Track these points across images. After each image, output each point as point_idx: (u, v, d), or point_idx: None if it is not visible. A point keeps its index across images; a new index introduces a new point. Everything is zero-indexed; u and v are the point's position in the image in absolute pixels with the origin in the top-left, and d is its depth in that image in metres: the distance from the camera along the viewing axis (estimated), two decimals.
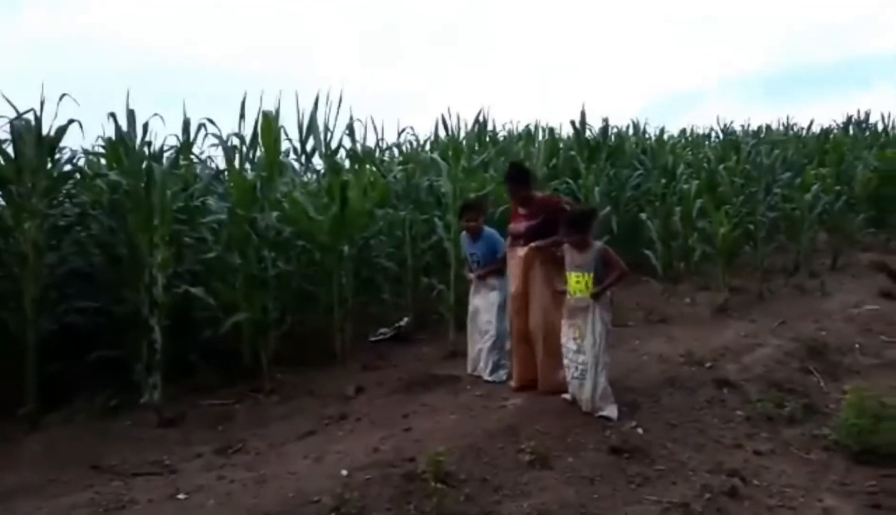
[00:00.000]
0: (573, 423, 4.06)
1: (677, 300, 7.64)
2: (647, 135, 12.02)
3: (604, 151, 9.65)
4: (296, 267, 5.94)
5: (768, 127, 16.03)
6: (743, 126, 15.90)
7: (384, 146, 8.30)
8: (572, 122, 9.91)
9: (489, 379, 4.98)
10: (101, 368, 5.04)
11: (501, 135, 10.04)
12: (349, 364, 5.93)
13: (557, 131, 10.86)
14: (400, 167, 7.80)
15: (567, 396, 4.36)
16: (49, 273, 5.14)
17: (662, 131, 12.27)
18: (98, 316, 5.26)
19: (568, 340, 4.28)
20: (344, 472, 3.56)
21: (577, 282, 4.19)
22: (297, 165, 7.02)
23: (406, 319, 6.56)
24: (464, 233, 5.26)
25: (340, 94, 7.25)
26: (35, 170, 5.10)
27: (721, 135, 14.94)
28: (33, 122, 5.10)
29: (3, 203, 5.34)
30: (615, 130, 10.90)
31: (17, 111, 5.07)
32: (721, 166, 8.90)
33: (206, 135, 6.47)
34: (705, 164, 9.39)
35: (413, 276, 6.80)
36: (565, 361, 4.31)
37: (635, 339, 6.06)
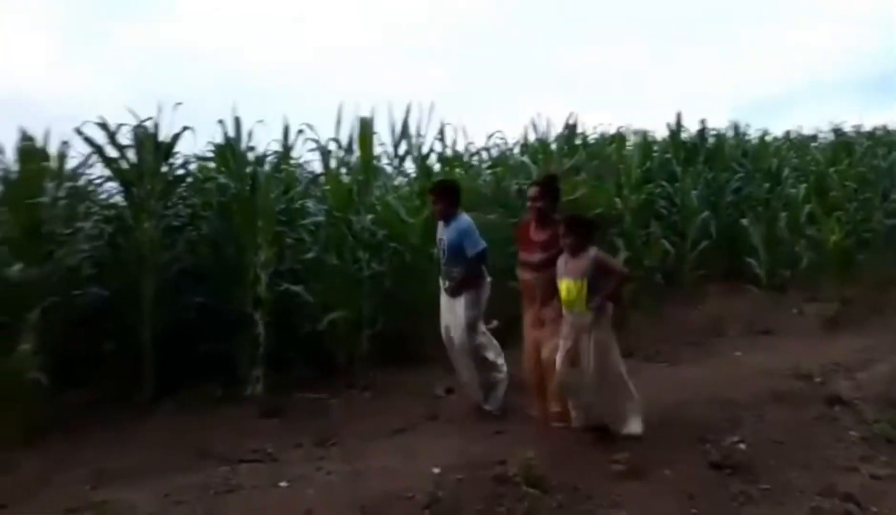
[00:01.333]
0: (670, 435, 3.92)
1: (783, 310, 7.22)
2: (746, 138, 11.42)
3: (701, 154, 9.28)
4: (388, 268, 6.07)
5: (885, 128, 14.79)
6: (855, 127, 14.75)
7: (473, 150, 8.35)
8: (668, 125, 9.60)
9: (489, 408, 4.64)
10: (210, 360, 5.38)
11: (592, 137, 9.84)
12: (439, 365, 6.00)
13: (651, 134, 10.54)
14: (489, 170, 7.83)
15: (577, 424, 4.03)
16: (164, 270, 5.53)
17: (765, 133, 11.61)
18: (207, 311, 5.59)
19: (563, 360, 3.91)
20: (436, 471, 3.62)
21: (569, 292, 3.83)
22: (389, 169, 7.19)
23: (495, 322, 6.54)
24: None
25: (432, 101, 7.38)
26: (153, 173, 5.52)
27: (828, 138, 13.94)
28: (152, 130, 5.52)
29: (124, 203, 5.82)
30: (713, 132, 10.44)
31: (138, 119, 5.50)
32: (832, 169, 8.33)
33: (304, 140, 6.74)
34: (813, 168, 8.83)
35: (502, 277, 6.77)
36: (559, 380, 3.97)
37: (736, 351, 5.80)
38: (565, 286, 3.84)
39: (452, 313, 4.59)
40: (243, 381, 5.15)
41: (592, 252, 3.84)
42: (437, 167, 7.42)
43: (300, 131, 6.84)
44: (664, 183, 8.59)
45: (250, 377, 5.06)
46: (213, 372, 5.35)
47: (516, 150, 8.57)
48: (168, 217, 5.68)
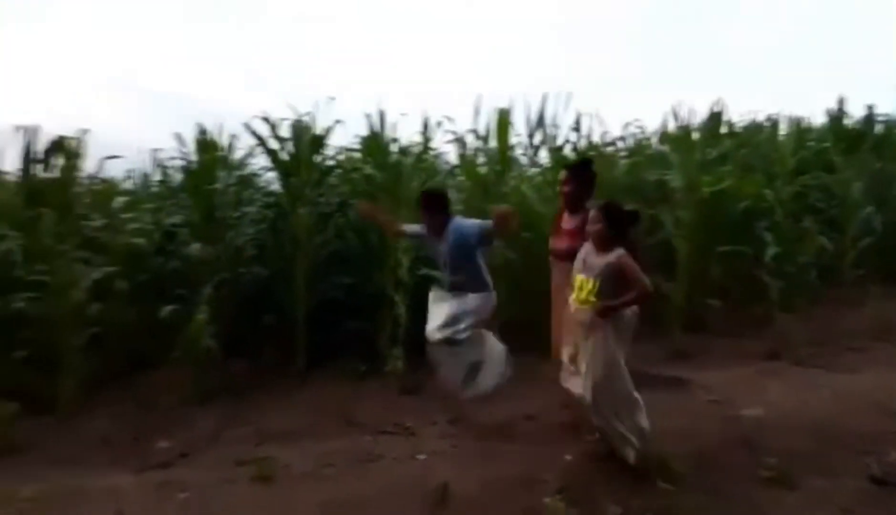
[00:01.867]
0: (826, 445, 3.68)
1: None
2: None
3: (867, 142, 8.41)
4: (521, 258, 6.14)
5: None
6: None
7: (609, 140, 8.17)
8: (828, 111, 8.80)
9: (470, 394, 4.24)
10: (354, 337, 5.77)
11: (740, 125, 9.24)
12: None
13: (806, 120, 9.70)
14: (625, 161, 7.63)
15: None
16: (315, 253, 6.00)
17: None
18: (352, 292, 5.99)
19: (566, 358, 3.58)
20: (568, 457, 3.67)
21: (580, 289, 3.37)
22: (524, 160, 7.24)
23: None
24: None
25: (568, 90, 7.34)
26: (309, 164, 5.99)
27: None
28: (308, 123, 5.98)
29: (282, 191, 6.36)
30: (882, 118, 9.40)
31: (296, 114, 5.99)
32: None
33: (443, 132, 6.96)
34: None
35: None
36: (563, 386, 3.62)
37: None
38: (579, 281, 3.38)
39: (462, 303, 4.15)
40: (384, 358, 5.47)
41: (618, 252, 3.27)
42: (572, 157, 7.35)
43: (439, 123, 7.10)
44: (821, 173, 7.90)
45: (391, 355, 5.37)
46: (358, 349, 5.74)
47: (655, 140, 8.27)
48: (320, 204, 6.14)
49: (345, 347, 5.73)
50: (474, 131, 6.49)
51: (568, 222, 3.94)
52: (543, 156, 7.25)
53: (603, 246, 3.31)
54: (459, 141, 6.69)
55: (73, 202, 5.28)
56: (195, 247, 5.44)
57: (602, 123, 8.82)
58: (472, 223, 4.03)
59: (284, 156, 5.94)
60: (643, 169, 7.10)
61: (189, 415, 4.85)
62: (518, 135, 6.78)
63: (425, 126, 7.07)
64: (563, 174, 3.97)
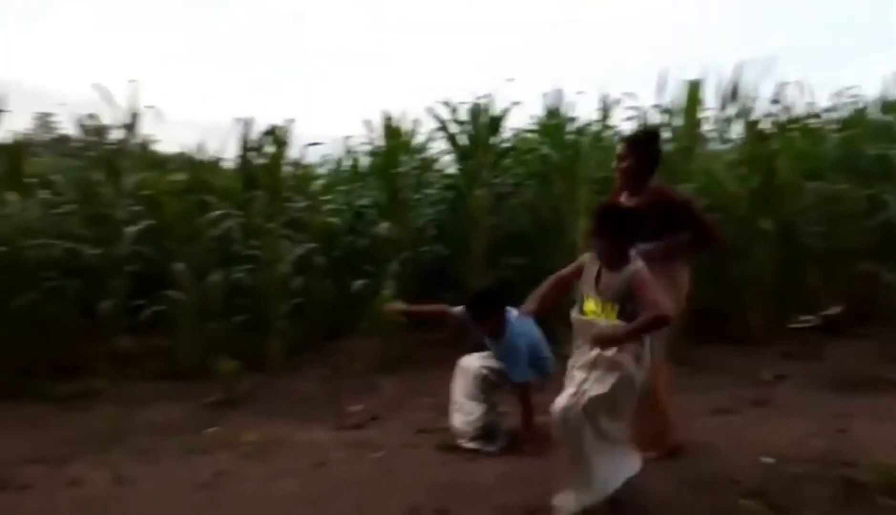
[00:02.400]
0: None
1: None
2: None
3: None
4: None
5: None
6: None
7: (817, 110, 7.28)
8: None
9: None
10: None
11: None
12: (764, 347, 5.52)
13: None
14: (837, 134, 6.76)
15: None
16: (491, 233, 6.11)
17: None
18: (526, 272, 6.01)
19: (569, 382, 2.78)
20: (767, 460, 3.39)
21: (594, 313, 2.70)
22: (713, 135, 6.71)
23: (838, 308, 5.73)
24: None
25: (768, 57, 6.63)
26: (486, 145, 6.09)
27: None
28: (486, 105, 6.08)
29: (459, 173, 6.55)
30: None
31: (475, 97, 6.11)
32: None
33: (625, 108, 6.68)
34: None
35: (848, 260, 5.88)
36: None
37: None
38: (591, 305, 2.73)
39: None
40: (560, 341, 5.43)
41: (634, 267, 2.63)
42: (772, 131, 6.68)
43: (617, 100, 6.82)
44: None
45: (566, 337, 5.31)
46: None
47: (875, 110, 7.22)
48: (496, 185, 6.22)
49: None
50: (659, 106, 6.14)
51: (628, 203, 3.35)
52: (737, 131, 6.68)
53: (613, 262, 2.66)
54: (641, 117, 6.38)
55: (281, 185, 5.88)
56: (383, 227, 5.80)
57: (808, 93, 7.89)
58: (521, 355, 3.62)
59: (463, 140, 6.09)
60: (860, 141, 6.24)
61: (376, 382, 5.21)
62: (708, 108, 6.29)
63: (603, 103, 6.85)
64: (621, 147, 3.45)
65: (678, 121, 6.12)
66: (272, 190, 5.79)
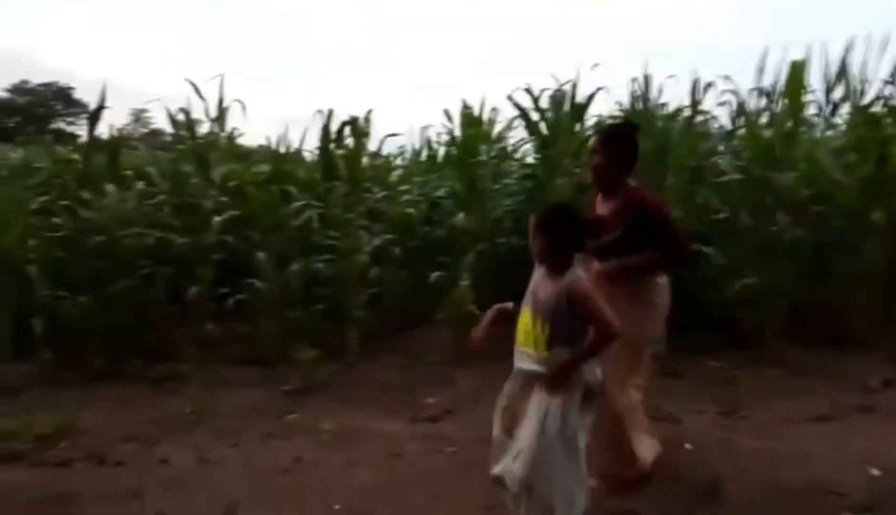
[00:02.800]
0: None
1: None
2: None
3: None
4: (812, 234, 5.31)
5: None
6: None
7: None
8: None
9: None
10: None
11: None
12: (870, 350, 5.07)
13: None
14: None
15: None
16: None
17: None
18: None
19: (497, 422, 2.45)
20: (874, 472, 3.10)
21: (524, 327, 2.37)
22: (818, 120, 6.22)
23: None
24: None
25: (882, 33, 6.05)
26: (568, 134, 5.89)
27: None
28: (569, 93, 5.87)
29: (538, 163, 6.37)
30: None
31: (558, 84, 5.92)
32: None
33: (720, 93, 6.29)
34: None
35: None
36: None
37: None
38: (523, 317, 2.39)
39: None
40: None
41: (572, 277, 2.27)
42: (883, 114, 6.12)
43: (709, 84, 6.43)
44: None
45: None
46: None
47: None
48: (577, 175, 6.01)
49: None
50: (759, 89, 5.74)
51: (601, 207, 2.96)
52: (843, 115, 6.17)
53: (552, 269, 2.34)
54: (739, 102, 6.00)
55: (360, 176, 5.92)
56: (460, 218, 5.73)
57: None
58: None
59: (544, 128, 5.93)
60: None
61: (451, 374, 5.15)
62: (812, 91, 5.83)
63: (694, 88, 6.48)
64: (593, 141, 3.09)
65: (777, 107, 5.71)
66: (352, 181, 5.84)
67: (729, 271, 5.17)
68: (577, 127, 6.02)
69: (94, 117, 6.39)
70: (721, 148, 6.14)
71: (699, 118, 6.21)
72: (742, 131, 6.11)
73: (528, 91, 5.91)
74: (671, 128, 5.44)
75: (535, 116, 5.98)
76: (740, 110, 6.05)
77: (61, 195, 5.88)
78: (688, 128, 5.66)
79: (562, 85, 5.86)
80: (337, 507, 2.89)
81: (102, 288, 5.14)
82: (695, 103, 6.29)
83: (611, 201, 2.90)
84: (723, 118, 6.52)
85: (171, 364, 5.05)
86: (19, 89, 30.04)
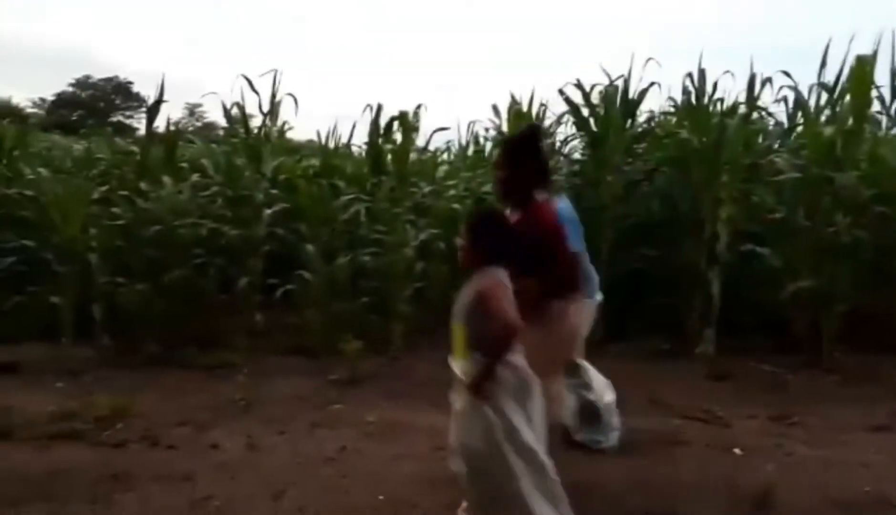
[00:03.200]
0: None
1: None
2: None
3: None
4: (873, 236, 5.10)
5: None
6: None
7: None
8: None
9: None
10: (656, 313, 5.48)
11: None
12: None
13: None
14: None
15: None
16: (620, 222, 5.82)
17: None
18: (657, 264, 5.68)
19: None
20: None
21: (454, 335, 2.33)
22: (883, 118, 5.95)
23: None
24: None
25: None
26: (619, 130, 5.79)
27: None
28: (621, 87, 5.77)
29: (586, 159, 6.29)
30: None
31: (609, 78, 5.83)
32: None
33: (779, 88, 6.09)
34: None
35: None
36: None
37: None
38: (455, 329, 2.35)
39: None
40: (691, 339, 5.09)
41: (481, 278, 2.27)
42: None
43: (767, 80, 6.23)
44: None
45: (700, 336, 4.97)
46: (660, 325, 5.45)
47: None
48: (627, 172, 5.91)
49: (647, 322, 5.47)
50: (822, 85, 5.52)
51: (512, 221, 2.74)
52: None
53: (475, 272, 2.33)
54: (798, 98, 5.79)
55: (408, 171, 5.96)
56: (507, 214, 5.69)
57: None
58: None
59: (594, 124, 5.84)
60: None
61: None
62: (878, 87, 5.57)
63: (751, 83, 6.30)
64: (497, 153, 2.95)
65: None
66: (399, 175, 5.88)
67: (783, 272, 5.02)
68: (629, 123, 5.90)
69: (152, 111, 6.62)
70: (778, 145, 5.96)
71: (755, 115, 6.05)
72: (801, 128, 5.91)
73: (580, 86, 5.84)
74: (726, 124, 5.28)
75: (585, 112, 5.90)
76: (799, 106, 5.84)
77: (120, 186, 6.11)
78: (743, 125, 5.49)
79: (613, 80, 5.76)
80: (381, 497, 2.92)
81: (158, 276, 5.31)
82: (751, 99, 6.11)
83: (517, 216, 2.73)
84: (780, 115, 6.34)
85: (222, 352, 5.18)
86: (82, 84, 31.29)
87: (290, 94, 6.58)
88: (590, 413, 3.41)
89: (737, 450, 3.48)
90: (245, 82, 6.43)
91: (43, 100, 28.34)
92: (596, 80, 5.94)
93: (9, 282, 5.62)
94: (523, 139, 2.88)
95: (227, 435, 3.64)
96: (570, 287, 2.74)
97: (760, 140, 5.90)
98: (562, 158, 6.89)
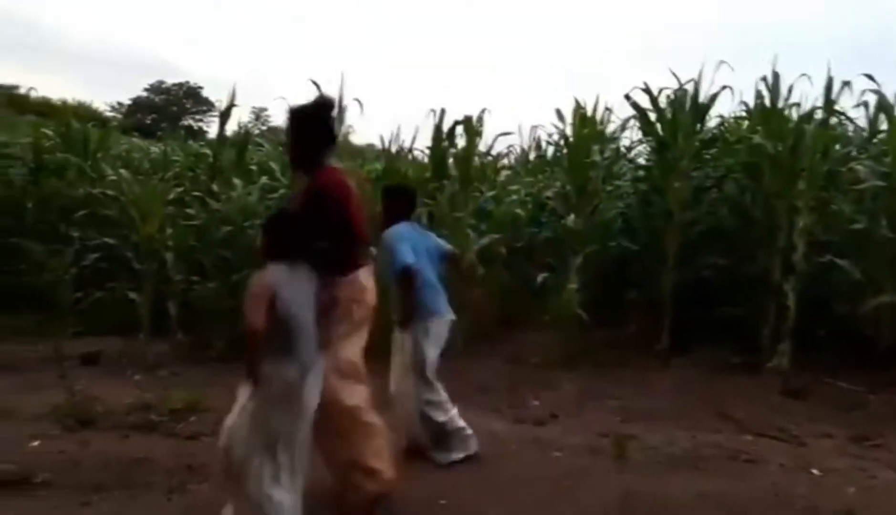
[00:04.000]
0: None
1: None
2: None
3: None
4: None
5: None
6: None
7: None
8: None
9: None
10: (725, 324, 5.30)
11: None
12: None
13: None
14: None
15: None
16: (687, 229, 5.66)
17: None
18: (726, 274, 5.49)
19: None
20: None
21: None
22: None
23: None
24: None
25: None
26: (688, 134, 5.64)
27: None
28: (691, 91, 5.62)
29: (652, 164, 6.15)
30: None
31: (679, 82, 5.69)
32: None
33: (861, 92, 5.79)
34: None
35: None
36: None
37: None
38: None
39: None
40: (763, 352, 4.90)
41: (258, 276, 2.32)
42: None
43: (846, 83, 5.93)
44: None
45: (773, 349, 4.77)
46: (728, 337, 5.26)
47: None
48: (696, 178, 5.75)
49: (713, 333, 5.29)
50: None
51: (299, 187, 2.92)
52: None
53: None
54: (882, 102, 5.49)
55: (471, 175, 5.96)
56: (571, 219, 5.63)
57: None
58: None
59: (662, 128, 5.71)
60: None
61: (554, 377, 5.08)
62: None
63: (829, 86, 6.02)
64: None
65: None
66: (462, 180, 5.89)
67: (864, 286, 4.76)
68: (698, 128, 5.74)
69: (224, 115, 6.86)
70: (858, 152, 5.67)
71: (834, 120, 5.78)
72: (883, 135, 5.61)
73: (647, 90, 5.72)
74: (803, 130, 5.06)
75: (653, 116, 5.77)
76: (882, 110, 5.54)
77: (194, 187, 6.35)
78: (821, 131, 5.25)
79: (683, 84, 5.62)
80: (443, 502, 2.92)
81: (228, 275, 5.49)
82: (829, 103, 5.85)
83: (303, 182, 2.76)
84: (860, 120, 6.03)
85: None
86: (156, 89, 32.71)
87: (357, 99, 6.67)
88: (441, 433, 3.36)
89: (815, 471, 3.32)
90: (314, 87, 6.56)
91: (120, 104, 29.80)
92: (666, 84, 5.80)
93: (92, 278, 5.92)
94: (306, 108, 2.82)
95: None
96: (343, 263, 2.63)
97: (839, 147, 5.61)
98: (626, 163, 6.78)
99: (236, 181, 6.12)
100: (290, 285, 2.28)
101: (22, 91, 13.96)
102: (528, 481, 3.15)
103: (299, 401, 2.30)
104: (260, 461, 2.24)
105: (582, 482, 3.12)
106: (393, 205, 3.49)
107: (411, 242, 3.28)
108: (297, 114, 2.74)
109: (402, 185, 3.95)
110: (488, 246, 5.87)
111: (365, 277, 2.70)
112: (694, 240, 5.69)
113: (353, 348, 2.65)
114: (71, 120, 7.40)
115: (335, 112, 2.90)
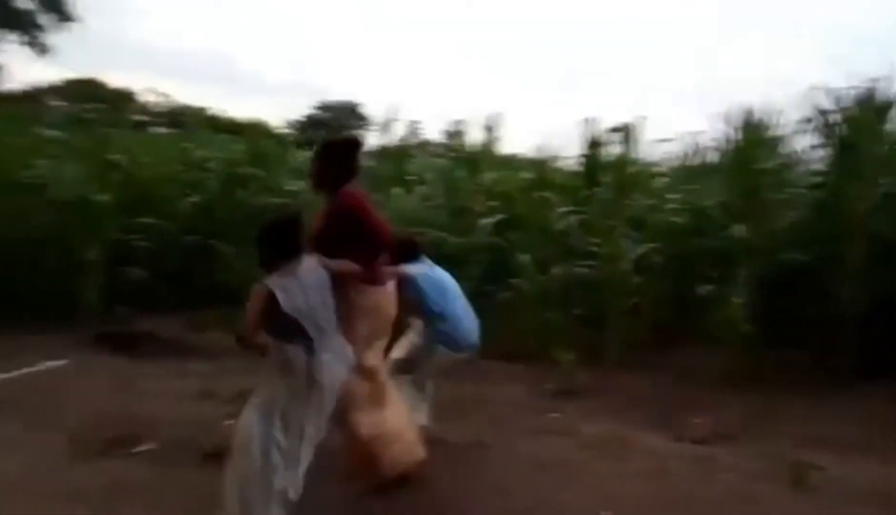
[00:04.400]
0: None
1: None
2: None
3: None
4: None
5: None
6: None
7: None
8: None
9: None
10: None
11: None
12: None
13: None
14: None
15: None
16: (871, 239, 5.13)
17: None
18: None
19: None
20: None
21: None
22: None
23: None
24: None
25: None
26: (873, 138, 5.11)
27: None
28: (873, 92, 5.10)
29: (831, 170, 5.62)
30: None
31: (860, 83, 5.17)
32: None
33: None
34: None
35: None
36: None
37: None
38: None
39: None
40: None
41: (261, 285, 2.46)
42: None
43: None
44: None
45: None
46: None
47: None
48: (885, 184, 5.19)
49: None
50: None
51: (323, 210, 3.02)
52: None
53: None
54: None
55: (626, 183, 5.84)
56: (738, 229, 5.30)
57: None
58: None
59: (847, 129, 5.22)
60: None
61: (718, 396, 4.82)
62: None
63: None
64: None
65: None
66: (617, 187, 5.79)
67: None
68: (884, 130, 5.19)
69: (385, 130, 7.31)
70: None
71: None
72: None
73: (828, 91, 5.26)
74: None
75: (831, 118, 5.30)
76: None
77: None
78: None
79: (867, 85, 5.10)
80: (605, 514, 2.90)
81: None
82: None
83: (328, 204, 2.95)
84: None
85: None
86: (323, 107, 35.64)
87: (502, 112, 6.83)
88: None
89: None
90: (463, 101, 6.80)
91: (295, 121, 32.71)
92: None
93: None
94: (342, 145, 3.08)
95: (452, 431, 3.82)
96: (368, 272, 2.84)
97: None
98: (798, 168, 6.26)
99: (395, 190, 6.48)
100: (289, 286, 2.44)
101: (211, 112, 15.72)
102: (694, 502, 3.03)
103: (304, 377, 2.45)
104: (260, 434, 2.41)
105: (751, 507, 2.96)
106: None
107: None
108: (328, 147, 3.05)
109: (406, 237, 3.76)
110: (644, 255, 5.71)
111: (387, 285, 3.02)
112: (878, 252, 5.13)
113: (374, 354, 2.95)
114: (262, 139, 8.22)
115: (361, 151, 3.18)
